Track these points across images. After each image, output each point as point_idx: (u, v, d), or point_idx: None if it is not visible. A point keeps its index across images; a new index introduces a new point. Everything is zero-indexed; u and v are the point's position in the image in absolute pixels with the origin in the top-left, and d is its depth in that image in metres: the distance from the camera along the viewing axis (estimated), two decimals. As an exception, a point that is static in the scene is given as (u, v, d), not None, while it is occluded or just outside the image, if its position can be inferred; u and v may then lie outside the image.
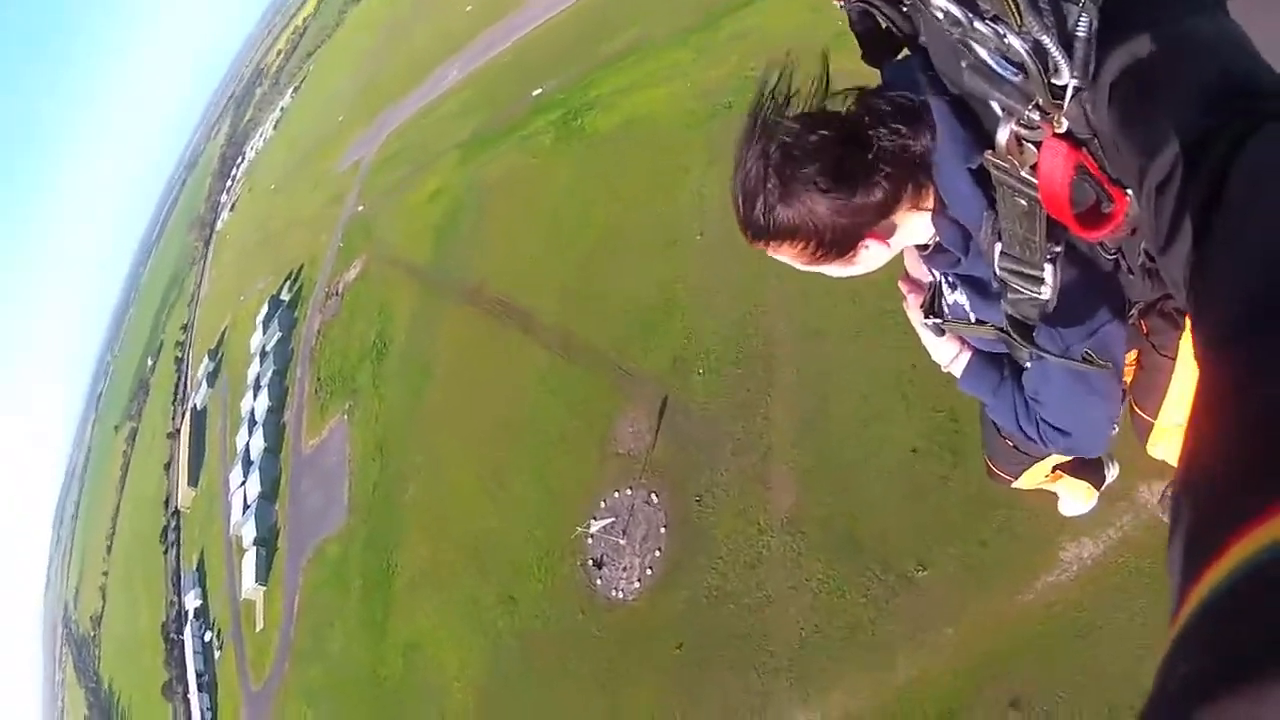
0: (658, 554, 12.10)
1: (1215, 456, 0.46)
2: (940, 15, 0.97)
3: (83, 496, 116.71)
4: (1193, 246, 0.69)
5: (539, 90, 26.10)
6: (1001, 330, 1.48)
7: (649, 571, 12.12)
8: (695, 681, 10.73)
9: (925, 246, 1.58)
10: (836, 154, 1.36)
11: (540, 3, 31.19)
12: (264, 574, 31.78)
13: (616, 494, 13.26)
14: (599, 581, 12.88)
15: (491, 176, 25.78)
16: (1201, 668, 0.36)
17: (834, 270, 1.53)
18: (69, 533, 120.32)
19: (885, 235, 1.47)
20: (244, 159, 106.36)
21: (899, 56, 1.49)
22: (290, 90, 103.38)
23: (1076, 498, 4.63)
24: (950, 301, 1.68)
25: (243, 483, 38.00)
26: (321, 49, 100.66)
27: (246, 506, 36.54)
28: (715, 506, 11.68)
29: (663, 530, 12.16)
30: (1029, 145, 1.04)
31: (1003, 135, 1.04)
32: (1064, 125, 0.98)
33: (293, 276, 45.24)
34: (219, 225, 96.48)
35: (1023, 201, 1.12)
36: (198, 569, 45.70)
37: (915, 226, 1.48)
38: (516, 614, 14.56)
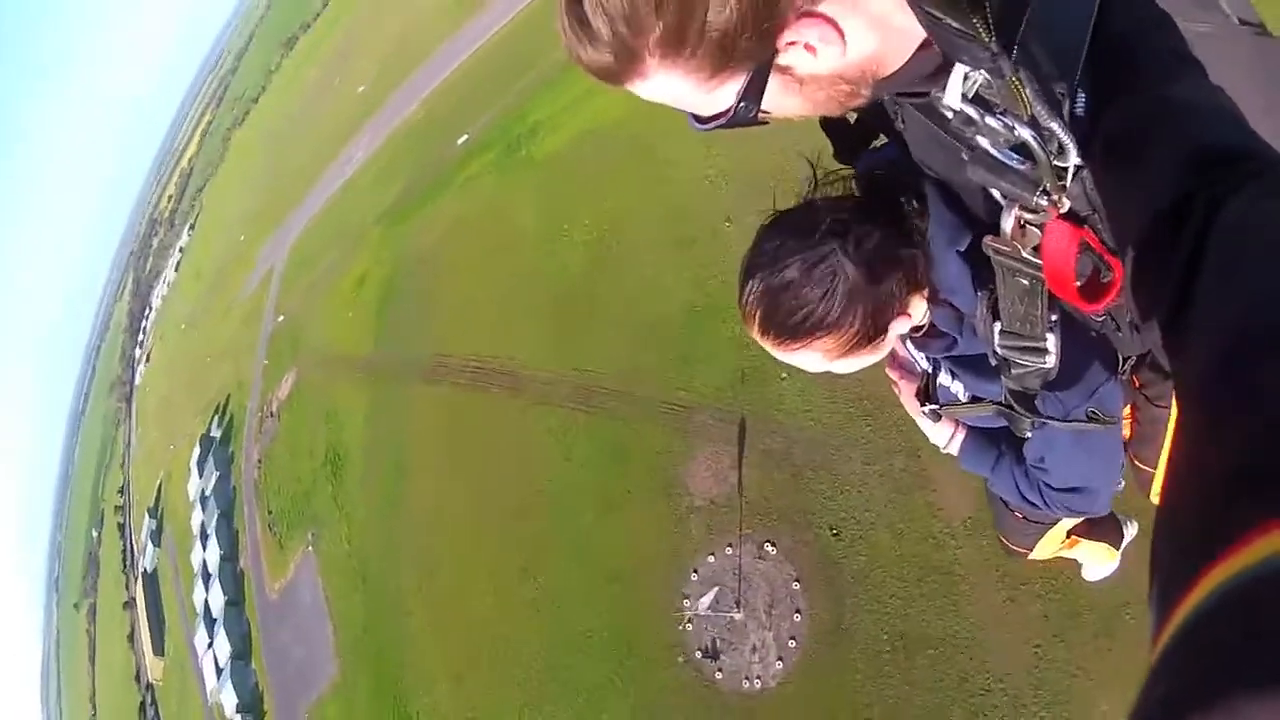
0: (797, 618, 8.96)
1: (1188, 497, 0.50)
2: (951, 115, 0.97)
3: (61, 683, 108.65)
4: (1173, 310, 0.67)
5: (465, 136, 23.41)
6: (1001, 404, 1.43)
7: (791, 643, 8.95)
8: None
9: (919, 328, 1.47)
10: (881, 233, 1.28)
11: (441, 56, 28.77)
12: (259, 744, 27.19)
13: (711, 558, 10.07)
14: (719, 675, 9.59)
15: (428, 240, 22.79)
16: (1177, 688, 0.38)
17: (855, 363, 1.40)
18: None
19: (906, 311, 1.37)
20: (151, 310, 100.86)
21: (870, 146, 1.41)
22: (186, 229, 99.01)
23: (1099, 560, 4.47)
24: (939, 385, 1.62)
25: (210, 644, 33.50)
26: (211, 181, 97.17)
27: (220, 670, 32.03)
28: (862, 534, 8.69)
29: (795, 586, 9.05)
30: (1031, 227, 1.01)
31: (1008, 223, 1.02)
32: (1066, 205, 0.95)
33: (220, 410, 41.17)
34: (137, 380, 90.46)
35: (1025, 281, 1.10)
36: (185, 747, 40.38)
37: (921, 305, 1.40)
38: (606, 744, 11.04)
